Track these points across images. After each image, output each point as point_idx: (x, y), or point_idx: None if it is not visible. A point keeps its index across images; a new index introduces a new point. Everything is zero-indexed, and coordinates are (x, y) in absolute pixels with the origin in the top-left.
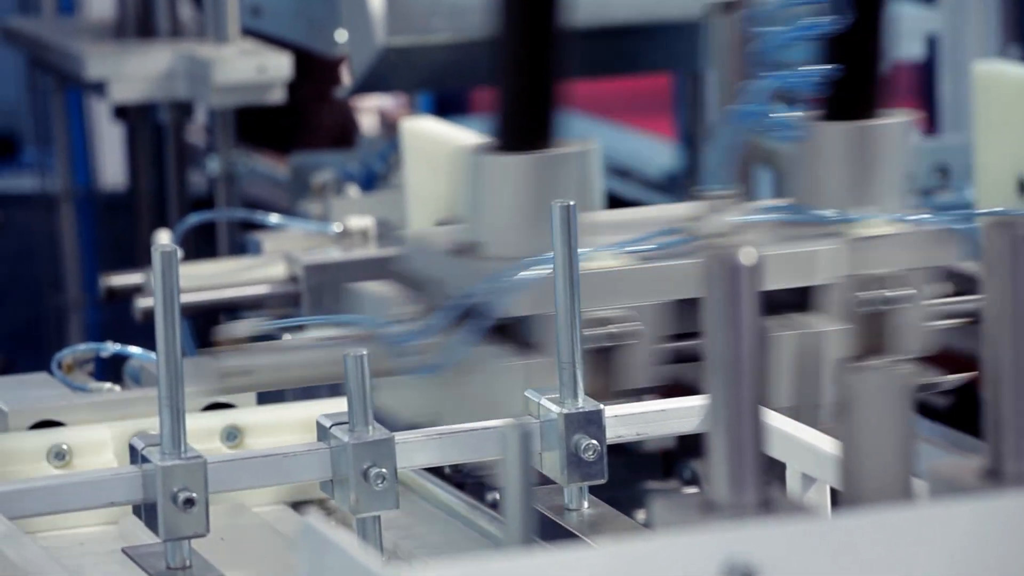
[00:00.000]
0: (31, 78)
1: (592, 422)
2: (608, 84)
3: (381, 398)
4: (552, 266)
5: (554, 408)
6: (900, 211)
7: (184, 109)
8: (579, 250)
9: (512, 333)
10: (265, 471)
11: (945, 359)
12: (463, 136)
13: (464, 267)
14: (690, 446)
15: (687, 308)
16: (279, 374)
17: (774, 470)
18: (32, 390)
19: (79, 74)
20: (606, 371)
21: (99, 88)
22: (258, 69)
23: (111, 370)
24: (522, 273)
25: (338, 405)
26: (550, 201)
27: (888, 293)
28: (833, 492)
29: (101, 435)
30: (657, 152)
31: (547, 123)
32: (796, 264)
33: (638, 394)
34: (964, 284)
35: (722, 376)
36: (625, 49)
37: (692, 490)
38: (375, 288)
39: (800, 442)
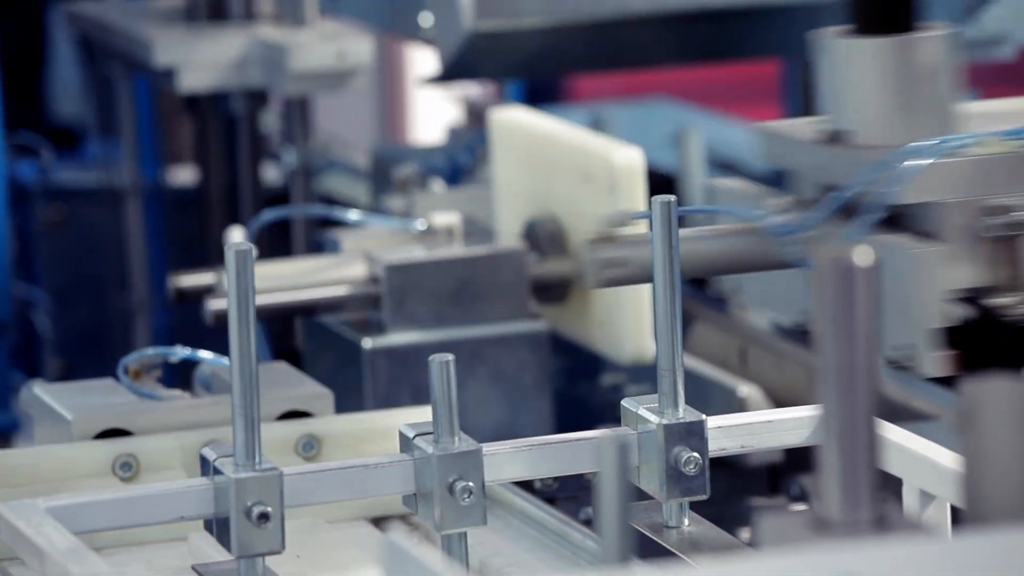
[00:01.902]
0: (96, 65)
1: (693, 433)
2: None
3: (750, 297)
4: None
5: (653, 418)
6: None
7: (258, 98)
8: (962, 136)
9: (902, 223)
10: (344, 484)
11: None
12: (556, 127)
13: (836, 157)
14: (799, 460)
15: None
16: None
17: (890, 486)
18: (97, 397)
19: (147, 61)
20: (1010, 261)
21: (168, 76)
22: (338, 55)
23: (180, 376)
24: (907, 161)
25: (422, 414)
26: (917, 86)
27: (1016, 215)
28: (954, 511)
29: (170, 445)
30: None
31: (907, 3)
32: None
33: None
34: None
35: (835, 384)
36: (730, 33)
37: (801, 507)
38: (733, 184)
39: (918, 456)
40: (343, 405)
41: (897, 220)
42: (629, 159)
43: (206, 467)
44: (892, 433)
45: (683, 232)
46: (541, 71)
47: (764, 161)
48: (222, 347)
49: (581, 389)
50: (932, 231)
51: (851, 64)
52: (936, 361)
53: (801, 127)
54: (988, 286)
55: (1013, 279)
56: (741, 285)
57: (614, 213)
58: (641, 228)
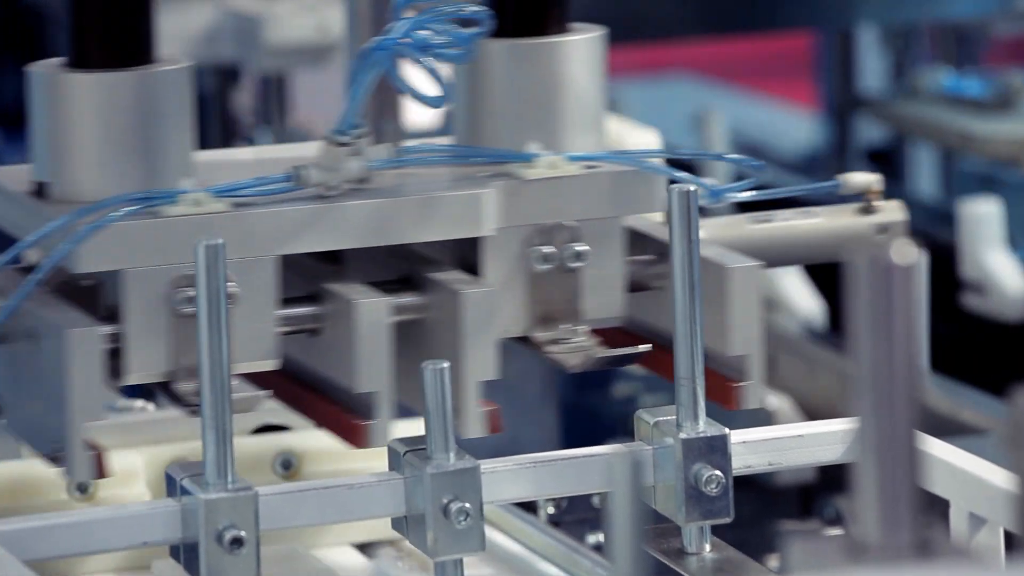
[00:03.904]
0: (47, 38)
1: (715, 449)
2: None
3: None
4: (133, 208)
5: (670, 432)
6: (587, 149)
7: (230, 75)
8: (166, 192)
9: (88, 294)
10: (326, 506)
11: (617, 334)
12: None
13: (32, 212)
14: (833, 479)
15: (311, 263)
16: None
17: (935, 509)
18: None
19: None
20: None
21: None
22: (317, 28)
23: (144, 387)
24: (89, 218)
25: (413, 427)
26: (137, 130)
27: (572, 247)
28: (1007, 536)
29: (131, 462)
30: (794, 125)
31: (138, 31)
32: (454, 212)
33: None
34: (644, 246)
35: (872, 395)
36: (758, 2)
37: (835, 531)
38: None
39: (967, 474)
40: None
41: (93, 291)
42: (645, 142)
43: (172, 487)
44: (937, 449)
45: None
46: None
47: None
48: None
49: (590, 399)
50: (117, 305)
51: (56, 103)
52: (83, 463)
53: (17, 174)
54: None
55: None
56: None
57: None
58: None
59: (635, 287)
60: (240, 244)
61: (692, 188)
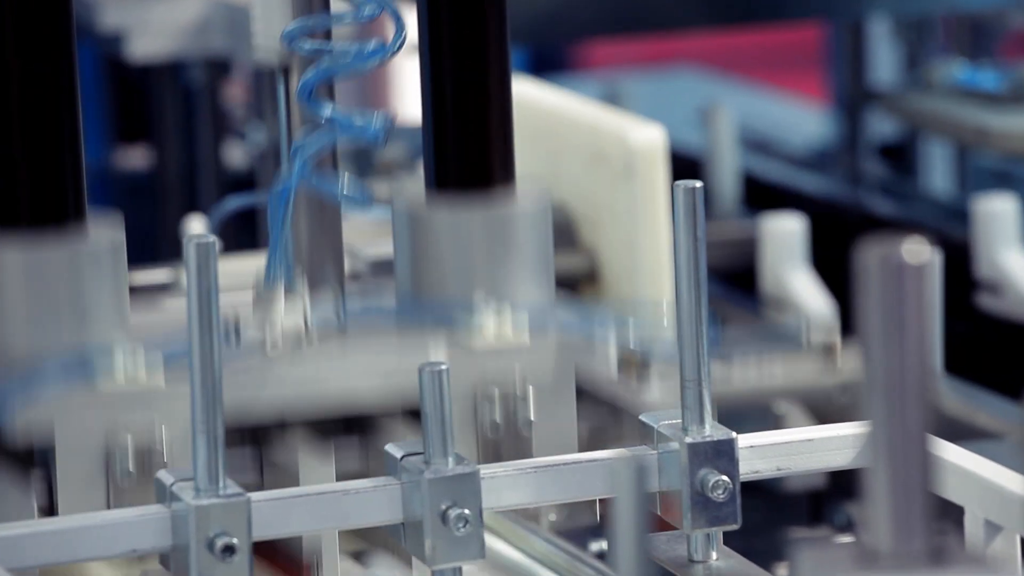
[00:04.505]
0: None
1: (723, 454)
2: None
3: None
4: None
5: (675, 436)
6: (536, 310)
7: (221, 68)
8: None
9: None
10: (321, 512)
11: None
12: (564, 102)
13: None
14: (844, 484)
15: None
16: None
17: (949, 515)
18: None
19: (91, 24)
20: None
21: (116, 42)
22: None
23: None
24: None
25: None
26: (68, 296)
27: (522, 413)
28: None
29: None
30: (804, 119)
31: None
32: (394, 381)
33: None
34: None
35: (883, 398)
36: None
37: (846, 539)
38: None
39: (983, 480)
40: None
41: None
42: (649, 138)
43: (162, 492)
44: (951, 453)
45: None
46: (549, 36)
47: None
48: None
49: None
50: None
51: None
52: None
53: None
54: None
55: None
56: None
57: None
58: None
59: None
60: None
61: (697, 185)
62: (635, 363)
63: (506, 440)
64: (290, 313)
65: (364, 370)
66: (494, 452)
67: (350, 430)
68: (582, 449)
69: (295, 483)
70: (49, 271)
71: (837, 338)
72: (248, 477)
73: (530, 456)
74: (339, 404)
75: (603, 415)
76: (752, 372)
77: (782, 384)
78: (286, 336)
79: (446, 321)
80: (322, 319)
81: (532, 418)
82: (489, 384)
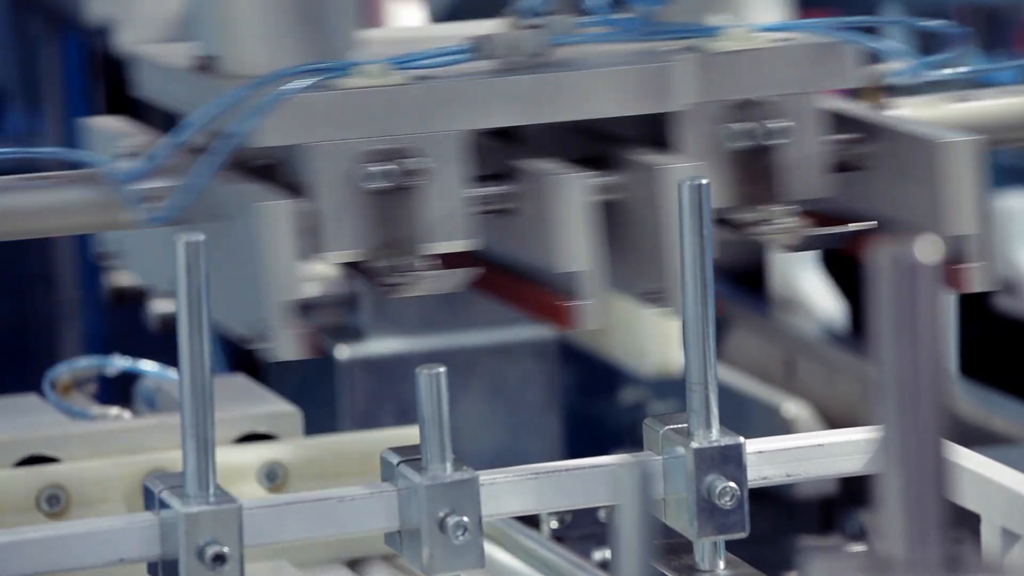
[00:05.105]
0: (16, 22)
1: (730, 459)
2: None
3: (128, 261)
4: (310, 82)
5: (681, 441)
6: (773, 19)
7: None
8: (340, 63)
9: (278, 171)
10: (315, 520)
11: (823, 217)
12: None
13: (199, 87)
14: (856, 491)
15: (492, 143)
16: None
17: (965, 523)
18: (18, 416)
19: (77, 15)
20: (388, 222)
21: (102, 33)
22: None
23: (118, 391)
24: (269, 91)
25: (407, 436)
26: (298, 4)
27: (768, 124)
28: None
29: (106, 474)
30: None
31: None
32: (641, 86)
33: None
34: (845, 126)
35: (896, 401)
36: None
37: (858, 547)
38: (109, 122)
39: (999, 488)
40: (314, 426)
41: (271, 167)
42: None
43: (150, 500)
44: (967, 459)
45: None
46: None
47: (136, 91)
48: (169, 357)
49: (596, 407)
50: (301, 182)
51: None
52: (290, 341)
53: (178, 51)
54: None
55: None
56: (121, 248)
57: None
58: None
59: (840, 168)
60: (427, 117)
61: (703, 182)
62: (878, 91)
63: (752, 152)
64: (535, 31)
65: (604, 78)
66: (740, 167)
67: (587, 142)
68: (828, 165)
69: (551, 196)
70: None
71: None
72: (499, 188)
73: (777, 173)
74: (588, 114)
75: (857, 130)
76: None
77: None
78: (531, 50)
79: (685, 33)
80: (565, 36)
81: (776, 126)
82: (732, 90)
